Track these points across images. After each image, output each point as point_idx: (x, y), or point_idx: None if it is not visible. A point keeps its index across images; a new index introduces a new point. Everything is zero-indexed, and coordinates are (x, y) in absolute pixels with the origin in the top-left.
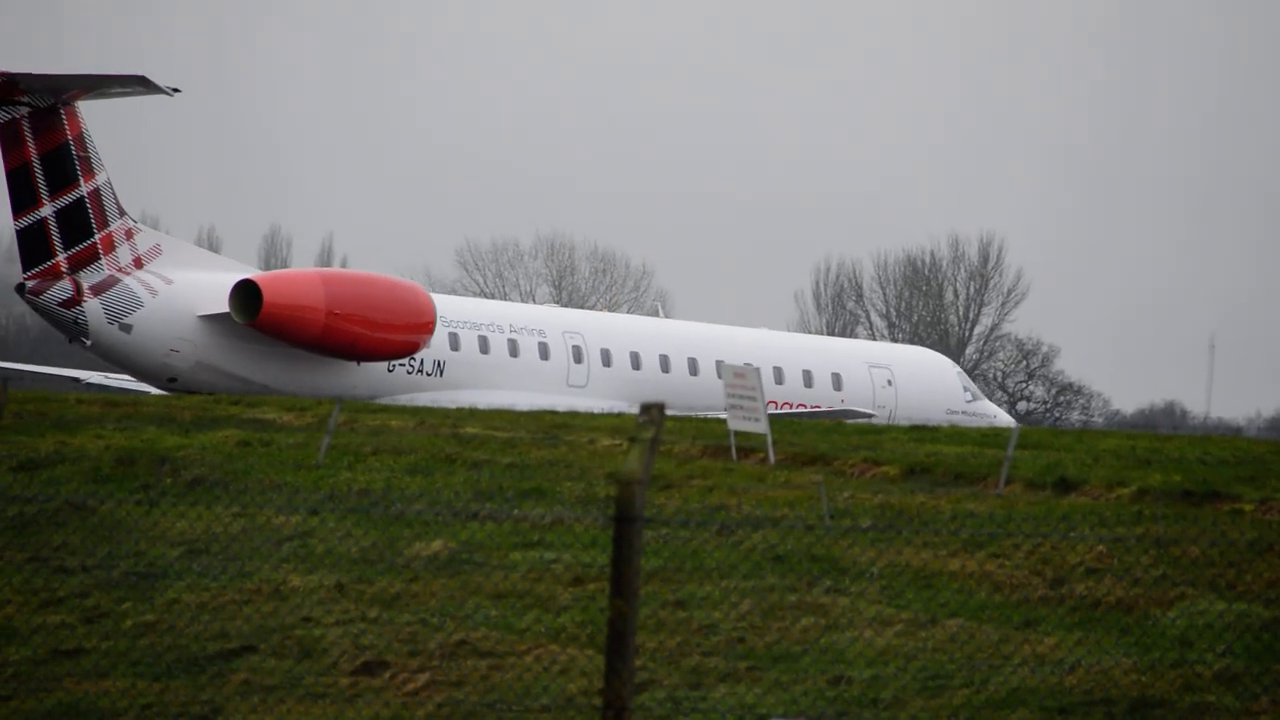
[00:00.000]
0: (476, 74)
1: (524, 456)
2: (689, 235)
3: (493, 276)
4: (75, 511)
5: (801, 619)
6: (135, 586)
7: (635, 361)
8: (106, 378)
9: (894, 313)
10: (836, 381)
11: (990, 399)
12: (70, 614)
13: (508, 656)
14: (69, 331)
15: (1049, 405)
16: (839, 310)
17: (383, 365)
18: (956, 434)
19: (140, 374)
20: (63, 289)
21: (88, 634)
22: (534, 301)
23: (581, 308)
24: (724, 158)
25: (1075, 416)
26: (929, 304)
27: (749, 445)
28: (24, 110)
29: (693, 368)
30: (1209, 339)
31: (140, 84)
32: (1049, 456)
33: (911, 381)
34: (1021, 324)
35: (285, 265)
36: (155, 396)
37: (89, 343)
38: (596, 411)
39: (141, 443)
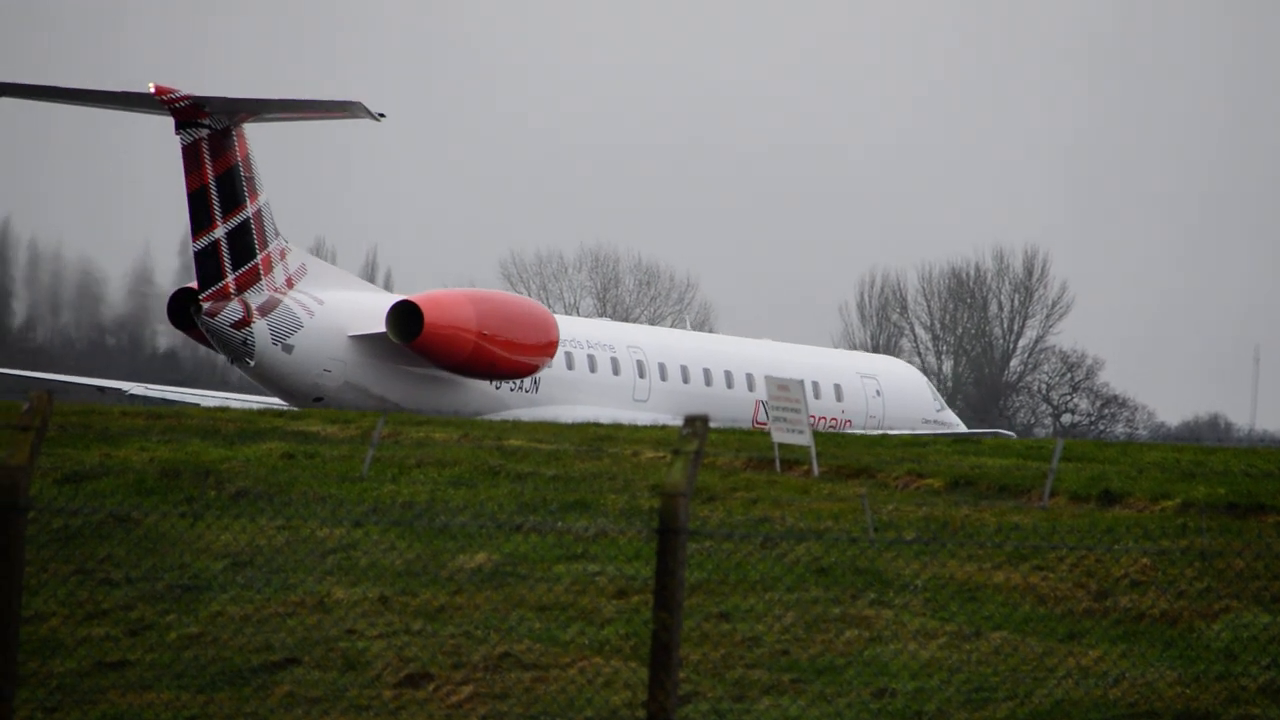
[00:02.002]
0: (519, 85)
1: (568, 469)
2: (733, 247)
3: (537, 289)
4: (120, 524)
5: (845, 631)
6: (179, 599)
7: (685, 375)
8: (147, 389)
9: (938, 325)
10: (838, 393)
11: (1035, 411)
12: (115, 626)
13: (551, 669)
14: (235, 352)
15: (1093, 418)
16: (883, 323)
17: (490, 383)
18: (1000, 446)
19: (290, 394)
20: (234, 310)
21: (132, 646)
22: (578, 314)
23: (627, 320)
24: (768, 170)
25: (1120, 429)
26: (973, 316)
27: (793, 457)
28: (204, 132)
29: (729, 380)
30: (1254, 352)
31: (355, 109)
32: (1093, 469)
33: (894, 391)
34: (1066, 336)
35: None
36: (199, 409)
37: (252, 363)
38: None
39: (186, 455)
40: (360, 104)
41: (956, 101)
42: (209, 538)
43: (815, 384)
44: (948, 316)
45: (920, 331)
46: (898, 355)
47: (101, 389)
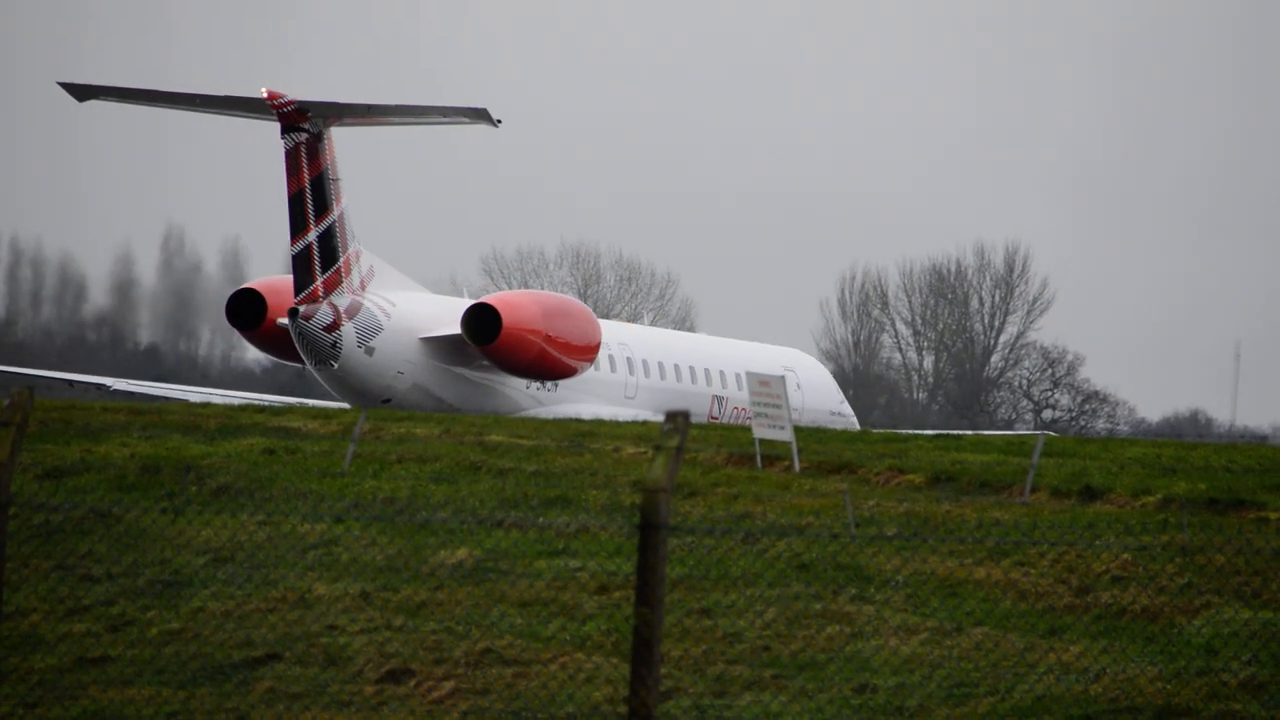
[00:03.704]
0: (500, 82)
1: (549, 464)
2: (714, 244)
3: (518, 285)
4: (100, 520)
5: (826, 627)
6: (160, 595)
7: (662, 372)
8: (131, 384)
9: (919, 321)
10: None
11: (1015, 407)
12: (96, 622)
13: (533, 664)
14: (321, 355)
15: (1074, 413)
16: (864, 319)
17: (524, 384)
18: (981, 442)
19: (362, 395)
20: (325, 313)
21: (113, 642)
22: None
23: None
24: (750, 167)
25: (1100, 424)
26: (954, 312)
27: (774, 453)
28: (304, 136)
29: (692, 376)
30: (1234, 347)
31: (480, 115)
32: (1074, 464)
33: (809, 383)
34: (1047, 332)
35: None
36: (180, 404)
37: (335, 366)
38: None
39: (166, 451)
40: (486, 110)
41: (940, 99)
42: (190, 533)
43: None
44: (929, 312)
45: (901, 327)
46: (879, 351)
47: (71, 383)
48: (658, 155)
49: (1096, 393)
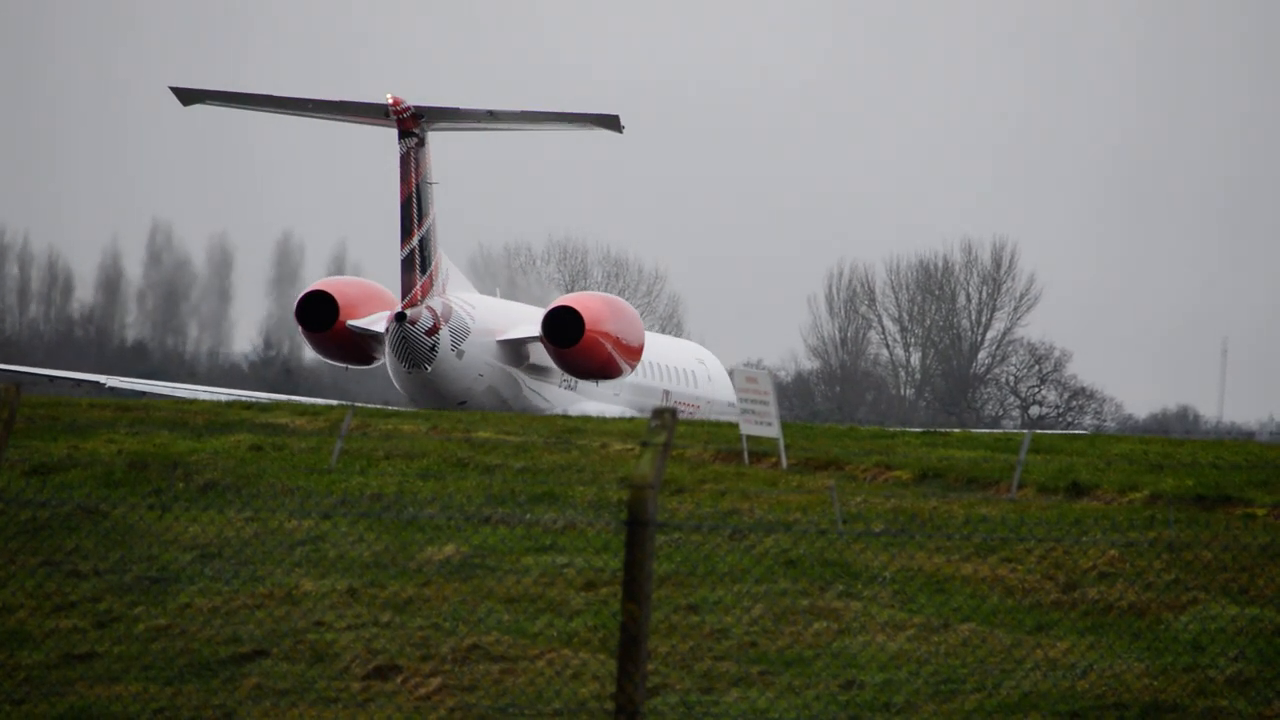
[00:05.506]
0: (487, 79)
1: (536, 461)
2: (702, 239)
3: (505, 281)
4: (87, 516)
5: (814, 623)
6: (147, 591)
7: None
8: (123, 382)
9: (906, 317)
10: (695, 379)
11: (1003, 404)
12: (82, 618)
13: (520, 661)
14: (418, 358)
15: (1061, 410)
16: (851, 315)
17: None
18: (968, 439)
19: (445, 398)
20: (427, 317)
21: (100, 638)
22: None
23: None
24: (737, 163)
25: (1088, 421)
26: (941, 308)
27: (761, 449)
28: (413, 142)
29: (653, 371)
30: (1222, 344)
31: (606, 122)
32: (1061, 461)
33: (716, 376)
34: (1034, 328)
35: (299, 272)
36: (167, 400)
37: (429, 369)
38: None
39: (154, 447)
40: (616, 117)
41: (931, 97)
42: (177, 530)
43: (691, 372)
44: (916, 309)
45: (888, 324)
46: (866, 347)
47: (51, 378)
48: (646, 152)
49: (1083, 389)
